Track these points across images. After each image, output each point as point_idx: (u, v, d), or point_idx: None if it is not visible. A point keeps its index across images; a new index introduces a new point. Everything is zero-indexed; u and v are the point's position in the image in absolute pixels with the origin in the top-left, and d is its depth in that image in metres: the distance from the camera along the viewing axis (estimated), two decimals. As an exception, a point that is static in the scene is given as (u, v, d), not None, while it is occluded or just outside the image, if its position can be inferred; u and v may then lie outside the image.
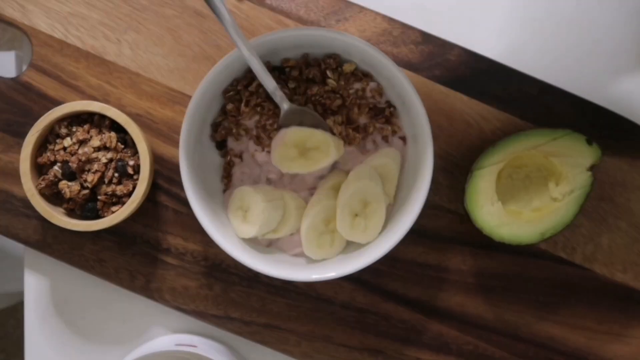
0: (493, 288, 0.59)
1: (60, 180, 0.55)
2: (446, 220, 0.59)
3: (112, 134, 0.56)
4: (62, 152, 0.55)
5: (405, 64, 0.58)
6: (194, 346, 0.57)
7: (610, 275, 0.59)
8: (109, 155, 0.55)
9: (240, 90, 0.56)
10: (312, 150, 0.54)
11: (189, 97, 0.54)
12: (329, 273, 0.53)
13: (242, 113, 0.56)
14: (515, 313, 0.59)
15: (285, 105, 0.54)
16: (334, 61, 0.56)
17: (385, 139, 0.57)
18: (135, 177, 0.55)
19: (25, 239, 0.59)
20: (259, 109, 0.56)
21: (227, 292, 0.59)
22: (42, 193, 0.55)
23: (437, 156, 0.59)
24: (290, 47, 0.55)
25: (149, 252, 0.59)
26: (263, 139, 0.56)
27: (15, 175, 0.57)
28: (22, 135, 0.56)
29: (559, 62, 0.60)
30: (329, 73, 0.56)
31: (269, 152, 0.56)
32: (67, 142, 0.55)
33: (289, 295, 0.59)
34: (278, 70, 0.56)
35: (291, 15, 0.59)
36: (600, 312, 0.59)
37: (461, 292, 0.59)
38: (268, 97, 0.56)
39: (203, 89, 0.53)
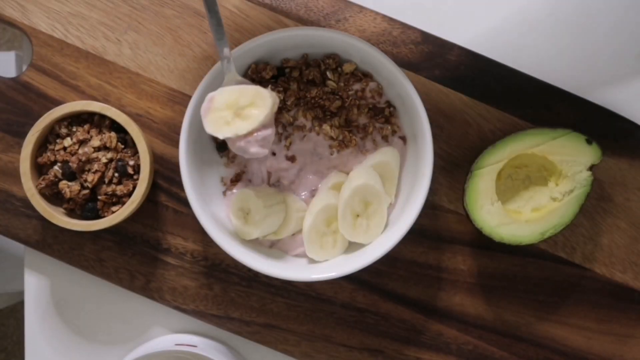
0: (493, 288, 0.59)
1: (60, 180, 0.55)
2: (446, 220, 0.59)
3: (112, 134, 0.56)
4: (62, 152, 0.55)
5: (405, 64, 0.58)
6: (194, 346, 0.57)
7: (610, 275, 0.59)
8: (109, 155, 0.55)
9: (240, 90, 0.56)
10: (247, 108, 0.50)
11: (189, 97, 0.54)
12: (329, 273, 0.53)
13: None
14: (515, 313, 0.59)
15: (230, 74, 0.51)
16: (334, 61, 0.56)
17: (385, 138, 0.57)
18: (135, 177, 0.55)
19: (25, 239, 0.59)
20: None
21: (227, 292, 0.59)
22: (42, 193, 0.55)
23: (437, 156, 0.59)
24: (290, 47, 0.55)
25: (149, 252, 0.59)
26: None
27: (15, 175, 0.57)
28: (22, 135, 0.56)
29: (559, 62, 0.60)
30: (328, 74, 0.56)
31: (273, 153, 0.56)
32: (67, 142, 0.55)
33: (288, 295, 0.59)
34: (278, 71, 0.56)
35: (291, 15, 0.59)
36: (600, 312, 0.59)
37: (461, 292, 0.59)
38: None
39: (203, 89, 0.53)
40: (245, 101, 0.49)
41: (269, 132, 0.50)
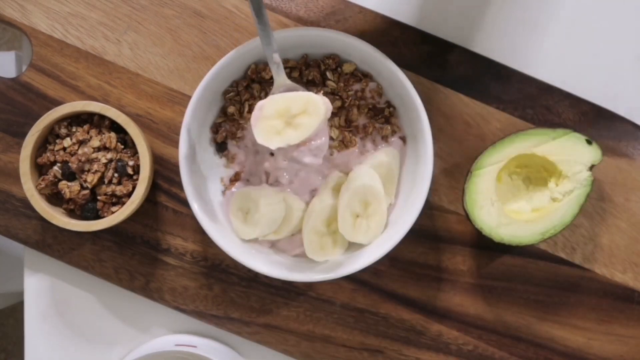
0: (493, 288, 0.59)
1: (60, 180, 0.55)
2: (446, 220, 0.59)
3: (112, 134, 0.56)
4: (61, 153, 0.55)
5: (405, 64, 0.58)
6: (194, 346, 0.57)
7: (610, 275, 0.59)
8: (109, 155, 0.55)
9: (241, 91, 0.56)
10: (299, 116, 0.48)
11: (189, 97, 0.54)
12: (329, 273, 0.53)
13: (243, 118, 0.56)
14: (515, 313, 0.59)
15: (279, 79, 0.51)
16: (334, 61, 0.56)
17: (385, 139, 0.57)
18: (135, 177, 0.55)
19: (25, 239, 0.59)
20: None
21: (226, 292, 0.59)
22: (41, 193, 0.55)
23: (437, 156, 0.59)
24: (290, 47, 0.55)
25: (148, 252, 0.59)
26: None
27: (15, 175, 0.57)
28: (22, 135, 0.56)
29: (559, 62, 0.60)
30: (328, 74, 0.56)
31: (271, 154, 0.56)
32: (67, 142, 0.55)
33: (288, 295, 0.59)
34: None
35: (291, 15, 0.59)
36: (600, 312, 0.59)
37: (461, 292, 0.59)
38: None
39: (203, 89, 0.53)
40: (296, 109, 0.47)
41: (323, 141, 0.49)
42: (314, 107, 0.47)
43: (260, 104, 0.48)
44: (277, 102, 0.48)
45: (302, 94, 0.48)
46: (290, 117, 0.48)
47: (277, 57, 0.49)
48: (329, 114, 0.49)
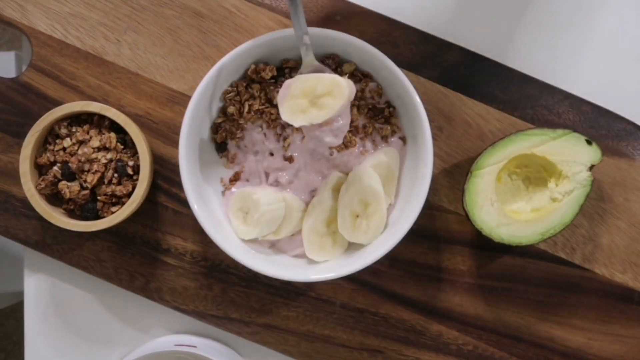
0: (493, 288, 0.59)
1: (60, 180, 0.55)
2: (446, 220, 0.59)
3: (112, 134, 0.56)
4: (61, 153, 0.55)
5: (405, 64, 0.58)
6: (194, 346, 0.57)
7: (610, 275, 0.59)
8: (109, 155, 0.55)
9: (241, 91, 0.56)
10: (323, 97, 0.49)
11: (189, 97, 0.54)
12: (329, 273, 0.53)
13: (243, 118, 0.56)
14: (515, 313, 0.59)
15: (307, 59, 0.52)
16: (334, 62, 0.56)
17: (384, 139, 0.57)
18: (135, 177, 0.55)
19: (25, 239, 0.59)
20: (261, 114, 0.56)
21: (226, 293, 0.59)
22: (42, 193, 0.55)
23: (437, 156, 0.59)
24: (289, 48, 0.55)
25: (148, 252, 0.59)
26: (263, 141, 0.56)
27: (15, 176, 0.57)
28: (22, 135, 0.56)
29: (559, 62, 0.60)
30: (328, 74, 0.56)
31: (271, 154, 0.56)
32: (67, 142, 0.55)
33: (288, 295, 0.59)
34: (278, 71, 0.56)
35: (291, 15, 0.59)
36: (600, 312, 0.59)
37: (461, 292, 0.59)
38: (269, 102, 0.56)
39: (203, 89, 0.53)
40: (321, 90, 0.49)
41: (344, 122, 0.50)
42: (339, 89, 0.49)
43: (287, 82, 0.50)
44: (304, 82, 0.49)
45: (328, 76, 0.49)
46: (315, 97, 0.49)
47: (306, 39, 0.51)
48: (352, 97, 0.50)
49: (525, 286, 0.59)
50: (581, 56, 0.60)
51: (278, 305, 0.59)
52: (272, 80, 0.56)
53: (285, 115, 0.49)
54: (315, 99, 0.49)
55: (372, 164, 0.56)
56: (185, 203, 0.55)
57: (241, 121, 0.56)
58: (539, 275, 0.59)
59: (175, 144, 0.57)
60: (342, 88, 0.49)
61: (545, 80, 0.59)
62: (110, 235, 0.59)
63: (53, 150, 0.55)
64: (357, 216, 0.54)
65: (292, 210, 0.56)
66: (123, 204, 0.55)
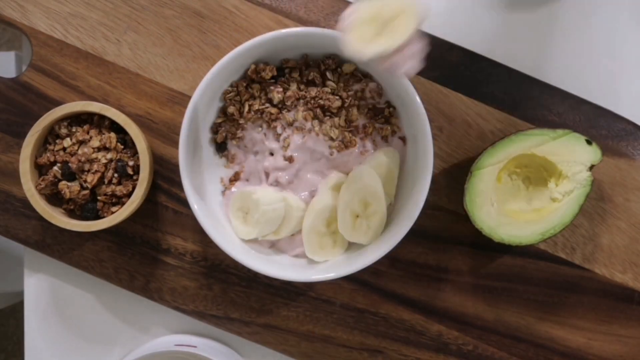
0: (493, 288, 0.59)
1: (60, 180, 0.55)
2: (446, 220, 0.59)
3: (112, 134, 0.56)
4: (61, 153, 0.55)
5: (405, 64, 0.58)
6: (194, 346, 0.57)
7: (610, 275, 0.59)
8: (109, 155, 0.55)
9: (241, 91, 0.56)
10: (391, 22, 0.44)
11: (189, 97, 0.54)
12: (329, 273, 0.53)
13: (243, 118, 0.56)
14: (515, 313, 0.59)
15: None
16: (334, 62, 0.56)
17: (384, 139, 0.57)
18: (135, 177, 0.55)
19: (25, 239, 0.59)
20: (261, 114, 0.56)
21: (226, 293, 0.59)
22: (42, 193, 0.55)
23: (437, 156, 0.59)
24: (289, 48, 0.55)
25: (148, 252, 0.59)
26: (263, 140, 0.56)
27: (15, 176, 0.57)
28: (22, 135, 0.56)
29: (559, 62, 0.60)
30: (328, 75, 0.56)
31: (271, 154, 0.56)
32: (67, 142, 0.55)
33: (288, 295, 0.59)
34: (278, 71, 0.56)
35: (291, 15, 0.59)
36: (600, 312, 0.59)
37: (461, 292, 0.59)
38: (269, 102, 0.56)
39: (203, 89, 0.53)
40: (389, 12, 0.43)
41: (420, 45, 0.45)
42: (409, 7, 0.43)
43: (347, 11, 0.44)
44: (367, 8, 0.44)
45: None
46: (384, 21, 0.44)
47: None
48: (425, 17, 0.44)
49: (525, 286, 0.59)
50: (581, 56, 0.60)
51: (278, 305, 0.59)
52: (272, 80, 0.56)
53: (352, 46, 0.44)
54: (384, 24, 0.43)
55: (372, 164, 0.56)
56: (185, 203, 0.55)
57: (241, 121, 0.56)
58: (539, 275, 0.59)
59: (175, 144, 0.57)
60: (412, 6, 0.43)
61: (545, 80, 0.59)
62: (110, 235, 0.59)
63: (53, 150, 0.55)
64: (357, 216, 0.54)
65: (292, 210, 0.56)
66: (123, 204, 0.55)
